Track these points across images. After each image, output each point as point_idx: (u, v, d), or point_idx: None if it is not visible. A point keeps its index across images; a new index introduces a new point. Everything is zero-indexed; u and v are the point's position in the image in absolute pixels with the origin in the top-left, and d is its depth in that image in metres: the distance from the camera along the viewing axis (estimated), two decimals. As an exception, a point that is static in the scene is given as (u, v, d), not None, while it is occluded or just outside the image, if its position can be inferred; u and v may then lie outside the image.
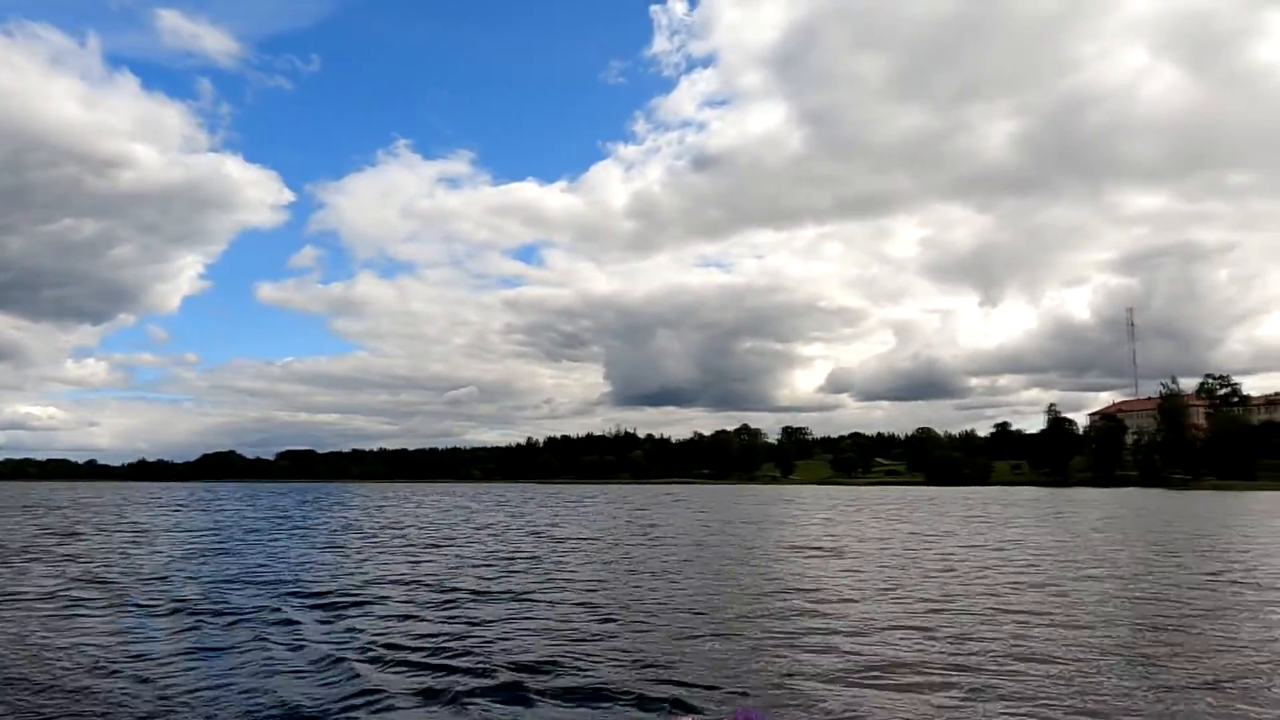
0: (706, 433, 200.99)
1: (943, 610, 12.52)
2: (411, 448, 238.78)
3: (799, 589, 14.81)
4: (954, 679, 8.45)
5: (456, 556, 21.18)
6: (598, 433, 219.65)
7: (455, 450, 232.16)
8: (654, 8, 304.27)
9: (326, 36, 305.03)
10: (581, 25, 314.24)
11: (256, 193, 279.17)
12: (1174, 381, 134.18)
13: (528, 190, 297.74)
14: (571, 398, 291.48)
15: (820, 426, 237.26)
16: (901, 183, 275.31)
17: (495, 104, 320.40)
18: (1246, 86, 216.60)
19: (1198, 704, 7.63)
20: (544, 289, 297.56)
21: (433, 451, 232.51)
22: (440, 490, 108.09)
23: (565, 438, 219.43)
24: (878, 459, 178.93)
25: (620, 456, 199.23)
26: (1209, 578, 16.64)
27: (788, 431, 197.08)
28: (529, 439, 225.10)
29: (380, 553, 22.34)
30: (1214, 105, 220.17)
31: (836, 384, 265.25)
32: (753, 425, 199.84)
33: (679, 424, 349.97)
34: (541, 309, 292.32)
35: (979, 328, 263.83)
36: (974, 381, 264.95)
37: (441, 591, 14.68)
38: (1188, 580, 16.18)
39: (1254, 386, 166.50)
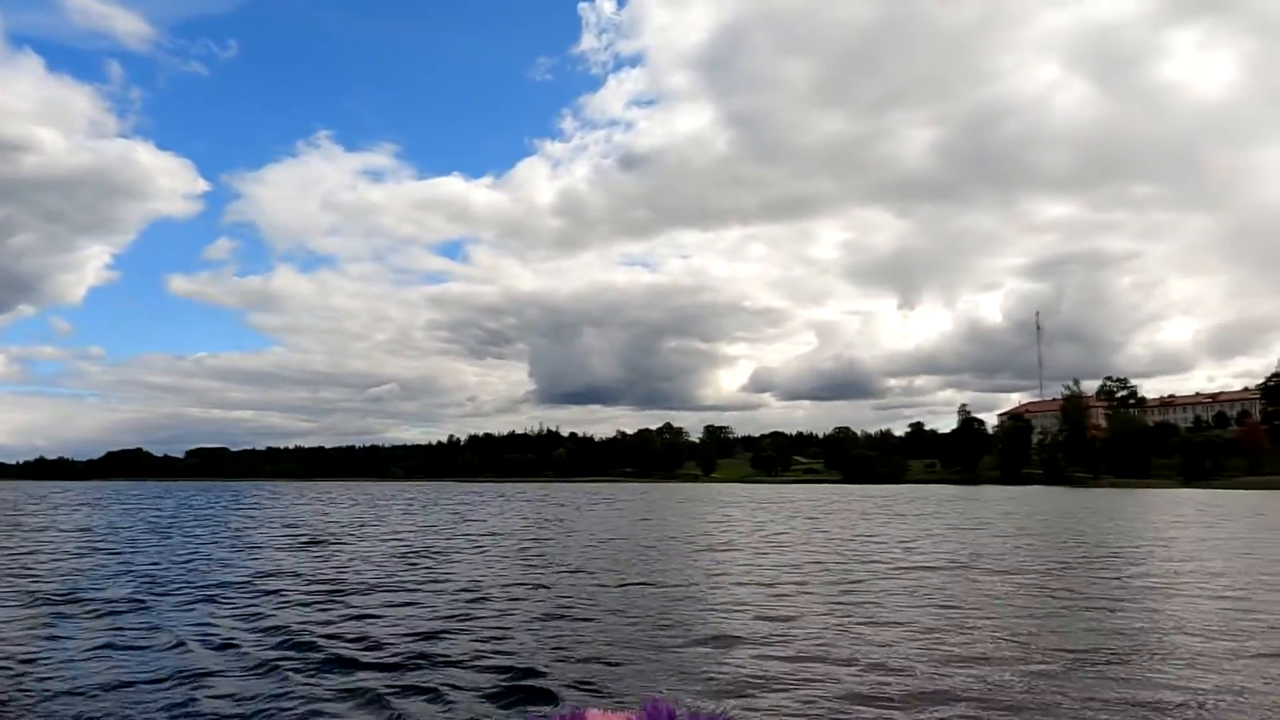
0: (631, 431, 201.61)
1: (828, 602, 12.61)
2: (330, 445, 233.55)
3: (677, 582, 14.90)
4: (844, 665, 8.55)
5: (342, 553, 20.79)
6: (521, 431, 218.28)
7: (375, 448, 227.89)
8: (582, 5, 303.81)
9: (245, 23, 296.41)
10: (509, 21, 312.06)
11: (168, 181, 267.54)
12: (1076, 384, 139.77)
13: (453, 185, 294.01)
14: (496, 395, 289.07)
15: (743, 425, 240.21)
16: (825, 186, 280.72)
17: (420, 97, 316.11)
18: (1151, 102, 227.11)
19: (1079, 680, 7.87)
20: (469, 285, 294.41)
21: (351, 450, 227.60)
22: (355, 489, 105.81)
23: (488, 436, 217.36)
24: (797, 457, 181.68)
25: (543, 455, 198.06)
26: (1095, 569, 17.18)
27: (710, 430, 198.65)
28: (451, 437, 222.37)
29: (266, 549, 21.84)
30: (1121, 119, 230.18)
31: (759, 383, 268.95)
32: (677, 424, 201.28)
33: (604, 422, 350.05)
34: (466, 306, 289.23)
35: (897, 330, 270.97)
36: (892, 382, 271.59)
37: (318, 585, 14.53)
38: (1064, 570, 16.70)
39: (1153, 389, 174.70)
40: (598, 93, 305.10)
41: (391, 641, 9.67)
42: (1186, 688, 7.58)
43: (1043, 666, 8.40)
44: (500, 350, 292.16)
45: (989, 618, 11.22)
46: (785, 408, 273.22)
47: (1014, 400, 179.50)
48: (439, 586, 14.27)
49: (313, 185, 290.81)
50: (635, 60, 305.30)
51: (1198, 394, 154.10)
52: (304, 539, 24.95)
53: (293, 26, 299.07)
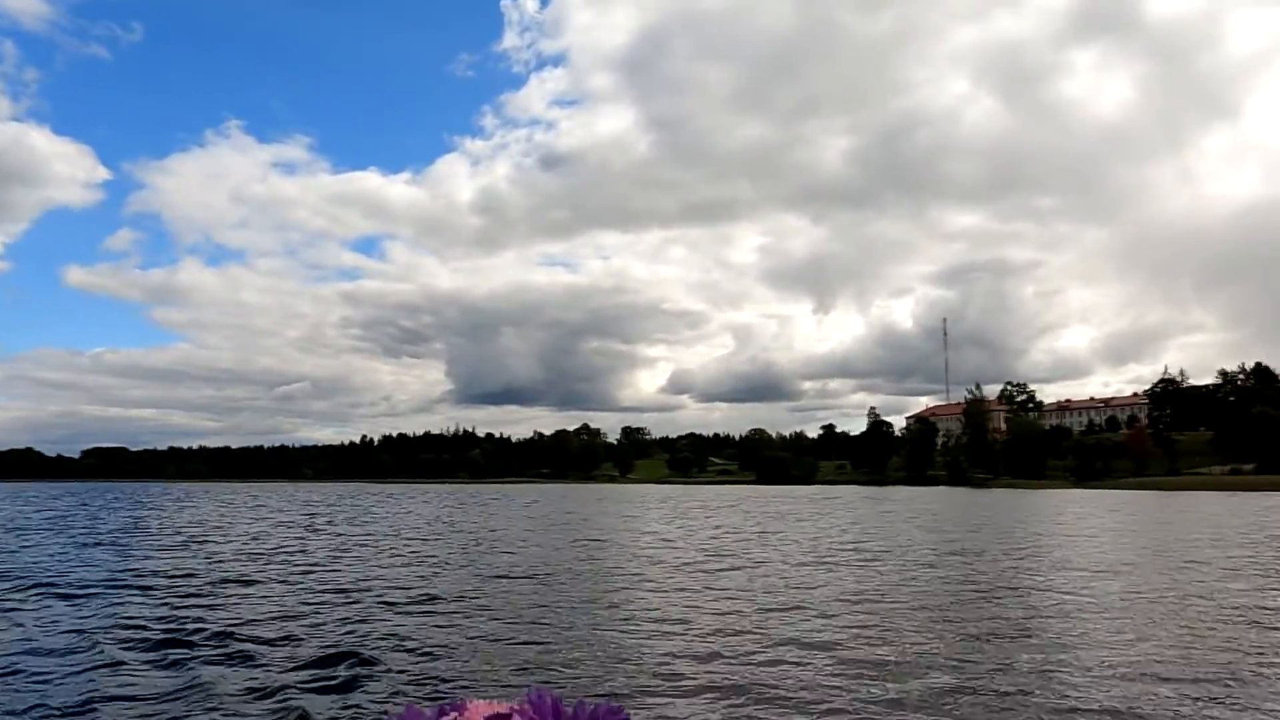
0: (549, 432, 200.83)
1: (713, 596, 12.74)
2: (236, 445, 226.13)
3: (562, 579, 15.06)
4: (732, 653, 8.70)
5: (218, 551, 20.45)
6: (437, 431, 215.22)
7: (284, 449, 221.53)
8: (505, 3, 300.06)
9: (151, 5, 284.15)
10: (430, 16, 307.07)
11: (66, 168, 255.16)
12: (978, 388, 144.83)
13: (369, 180, 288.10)
14: (411, 395, 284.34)
15: (662, 427, 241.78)
16: (744, 191, 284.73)
17: (337, 89, 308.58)
18: (1053, 118, 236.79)
19: (975, 658, 8.30)
20: (384, 283, 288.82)
21: (259, 450, 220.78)
22: (260, 490, 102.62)
23: (402, 436, 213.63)
24: (712, 459, 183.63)
25: (459, 456, 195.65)
26: (970, 563, 17.78)
27: (627, 432, 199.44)
28: (364, 437, 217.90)
29: (149, 548, 21.39)
30: (1025, 133, 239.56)
31: (678, 385, 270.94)
32: (596, 425, 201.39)
33: (522, 423, 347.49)
34: (381, 303, 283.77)
35: (813, 333, 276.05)
36: (807, 385, 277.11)
37: (183, 580, 14.44)
38: (940, 562, 17.24)
39: (1053, 393, 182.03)
40: (519, 91, 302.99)
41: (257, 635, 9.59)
42: (1075, 664, 8.20)
43: (932, 648, 8.95)
44: (417, 349, 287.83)
45: (879, 610, 11.69)
46: (703, 409, 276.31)
47: (923, 403, 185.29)
48: (317, 586, 14.01)
49: (222, 176, 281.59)
50: (558, 60, 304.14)
51: (1092, 399, 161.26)
52: (198, 539, 24.17)
53: (202, 10, 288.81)
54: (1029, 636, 9.87)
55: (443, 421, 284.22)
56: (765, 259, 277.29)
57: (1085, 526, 32.49)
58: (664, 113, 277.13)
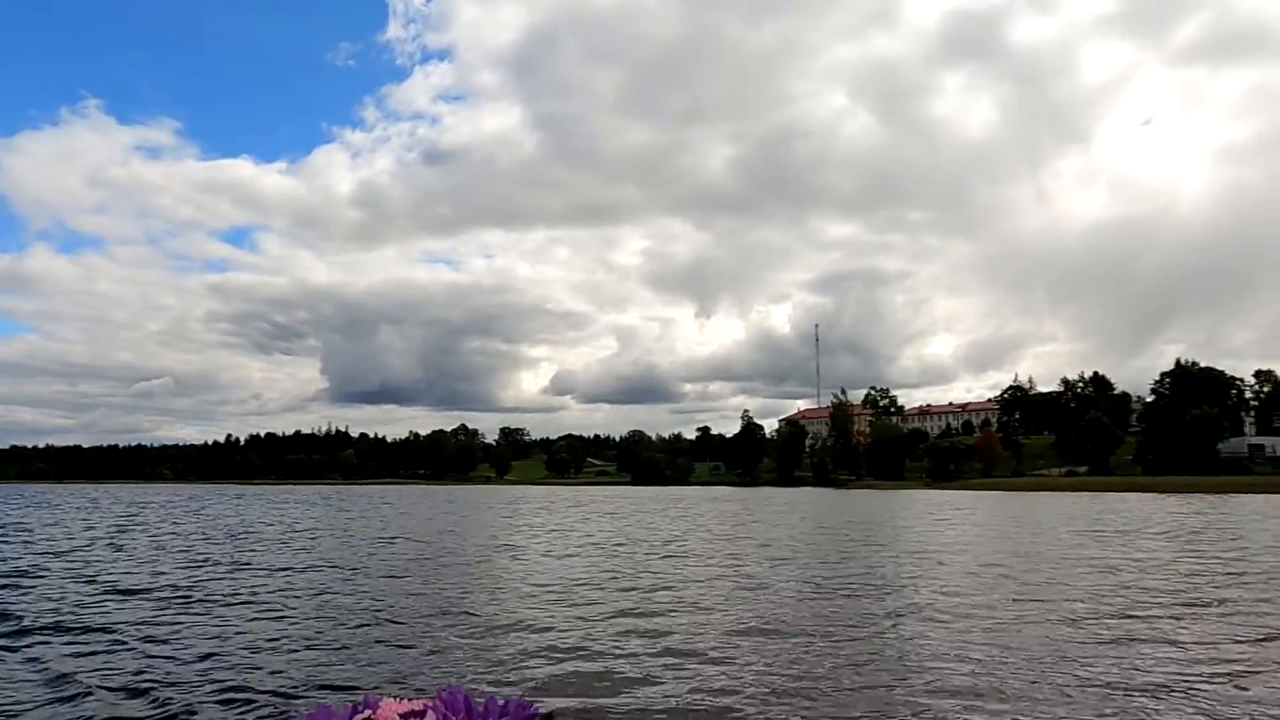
0: (426, 432, 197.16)
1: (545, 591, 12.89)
2: (88, 444, 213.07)
3: (420, 578, 14.96)
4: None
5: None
6: (309, 430, 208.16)
7: (141, 448, 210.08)
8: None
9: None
10: (311, 1, 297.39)
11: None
12: (844, 393, 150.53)
13: (241, 168, 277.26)
14: (283, 393, 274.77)
15: (544, 427, 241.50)
16: (629, 194, 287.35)
17: (208, 71, 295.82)
18: (924, 135, 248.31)
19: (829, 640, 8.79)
20: (256, 276, 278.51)
21: (114, 449, 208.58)
22: (105, 491, 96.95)
23: (271, 435, 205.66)
24: (591, 459, 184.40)
25: (331, 456, 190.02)
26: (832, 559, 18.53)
27: (505, 433, 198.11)
28: (230, 436, 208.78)
29: None
30: (898, 149, 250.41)
31: (561, 386, 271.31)
32: (477, 425, 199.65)
33: (400, 423, 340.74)
34: (252, 297, 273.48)
35: (694, 337, 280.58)
36: (688, 387, 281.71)
37: None
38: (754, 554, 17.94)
39: (921, 398, 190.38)
40: (403, 84, 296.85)
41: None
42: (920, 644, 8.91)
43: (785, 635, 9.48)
44: (289, 345, 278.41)
45: (736, 601, 12.12)
46: (585, 410, 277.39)
47: (800, 406, 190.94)
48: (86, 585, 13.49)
49: (77, 158, 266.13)
50: (443, 54, 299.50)
51: (950, 404, 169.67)
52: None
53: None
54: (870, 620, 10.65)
55: (316, 421, 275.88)
56: (649, 262, 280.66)
57: (910, 522, 34.35)
58: (551, 112, 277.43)
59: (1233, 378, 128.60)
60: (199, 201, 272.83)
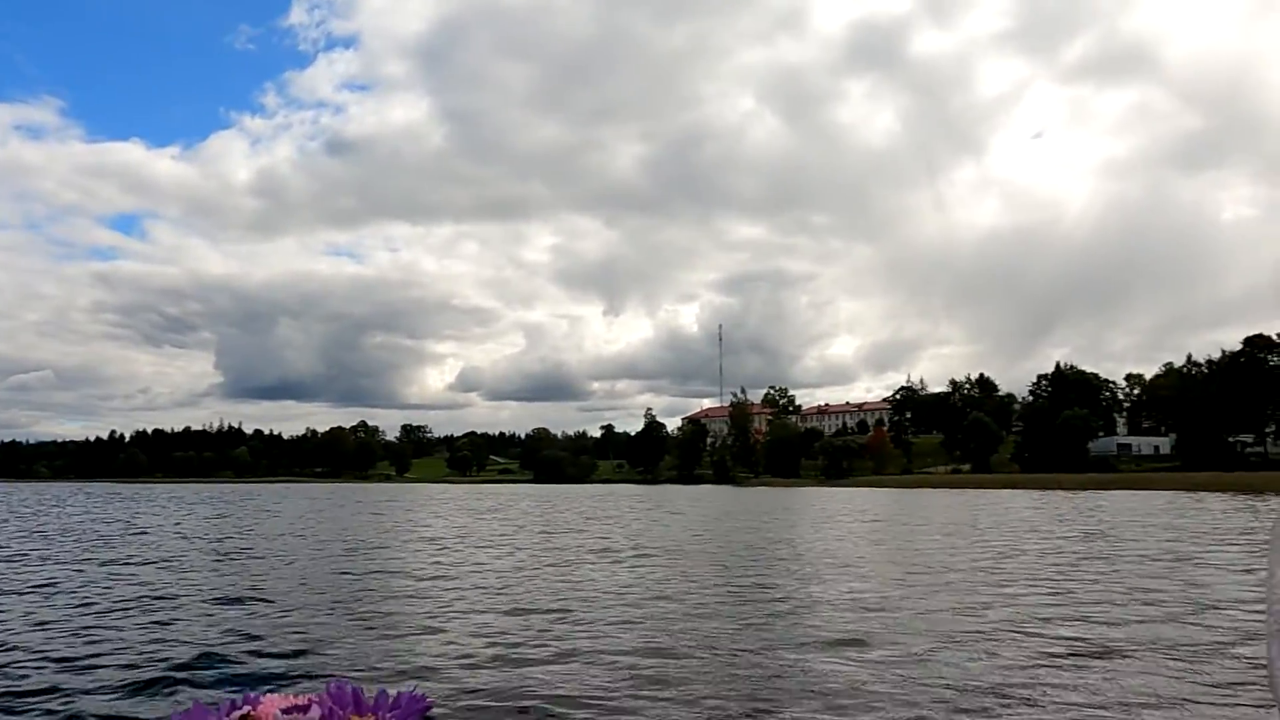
0: (323, 429, 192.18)
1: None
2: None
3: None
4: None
5: None
6: (201, 427, 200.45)
7: (15, 444, 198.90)
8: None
9: None
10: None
11: None
12: (743, 393, 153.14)
13: (131, 152, 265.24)
14: (174, 388, 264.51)
15: (449, 425, 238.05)
16: (538, 190, 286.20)
17: (95, 48, 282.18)
18: (828, 140, 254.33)
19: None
20: (146, 265, 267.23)
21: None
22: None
23: (158, 431, 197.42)
24: (494, 457, 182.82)
25: (223, 453, 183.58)
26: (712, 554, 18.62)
27: (407, 430, 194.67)
28: (114, 432, 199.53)
29: None
30: (804, 153, 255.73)
31: (467, 383, 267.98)
32: (380, 422, 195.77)
33: (299, 419, 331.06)
34: (141, 287, 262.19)
35: (603, 335, 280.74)
36: (596, 385, 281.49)
37: None
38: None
39: (823, 397, 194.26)
40: (305, 71, 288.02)
41: None
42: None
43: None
44: (181, 338, 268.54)
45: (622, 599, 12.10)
46: (492, 407, 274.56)
47: (705, 405, 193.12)
48: None
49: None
50: (349, 42, 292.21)
51: (847, 404, 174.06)
52: None
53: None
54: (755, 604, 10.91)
55: (209, 417, 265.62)
56: (558, 259, 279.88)
57: (790, 516, 35.16)
58: (460, 106, 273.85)
59: (1107, 381, 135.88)
60: (84, 186, 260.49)
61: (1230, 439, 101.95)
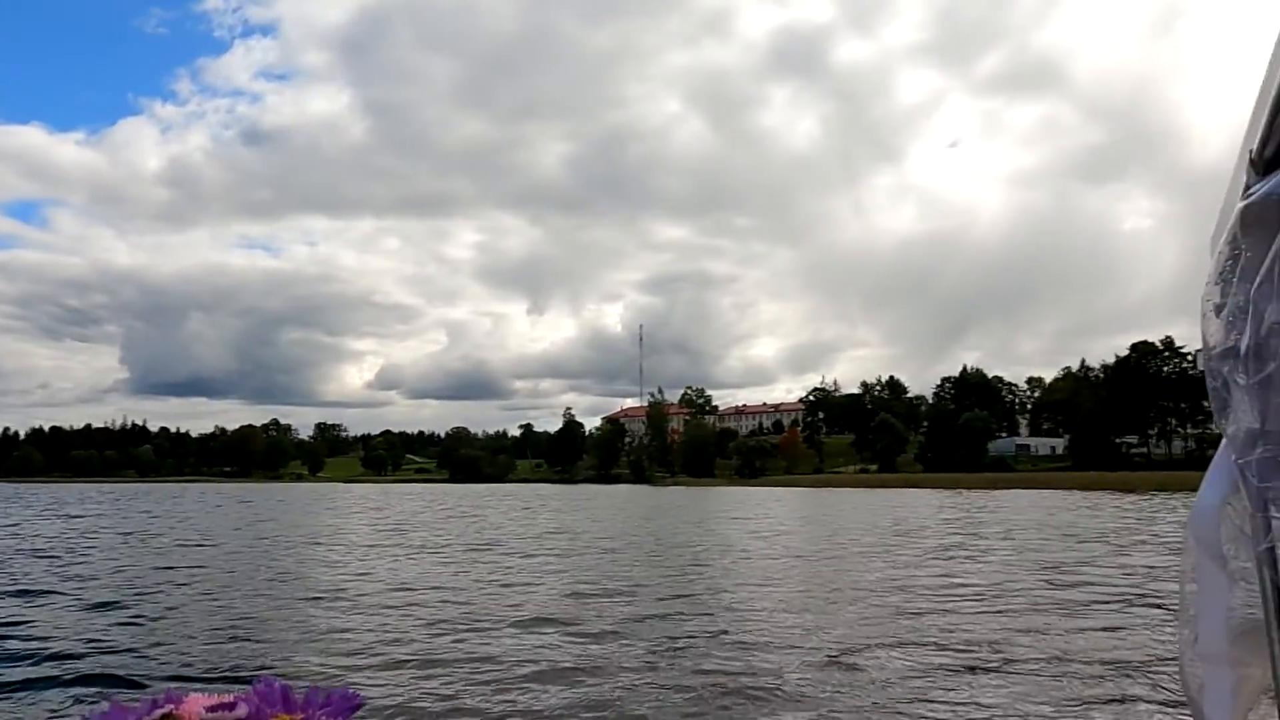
0: (234, 428, 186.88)
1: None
2: None
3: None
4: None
5: None
6: (104, 424, 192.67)
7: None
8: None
9: None
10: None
11: None
12: (660, 392, 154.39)
13: (31, 136, 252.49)
14: (76, 383, 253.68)
15: (367, 423, 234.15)
16: (462, 187, 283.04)
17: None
18: (752, 144, 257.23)
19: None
20: (46, 254, 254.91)
21: None
22: None
23: (56, 429, 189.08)
24: (410, 456, 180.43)
25: (126, 452, 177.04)
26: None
27: (321, 428, 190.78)
28: (8, 429, 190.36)
29: None
30: (728, 156, 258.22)
31: (386, 380, 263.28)
32: (296, 420, 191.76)
33: (210, 417, 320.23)
34: (41, 277, 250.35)
35: (526, 333, 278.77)
36: (519, 384, 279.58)
37: None
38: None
39: (745, 398, 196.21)
40: (221, 58, 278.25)
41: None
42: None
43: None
44: (84, 332, 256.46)
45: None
46: (412, 406, 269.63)
47: (629, 405, 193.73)
48: None
49: None
50: (267, 29, 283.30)
51: (764, 404, 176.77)
52: None
53: None
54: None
55: (113, 414, 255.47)
56: (481, 256, 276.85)
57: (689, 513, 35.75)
58: (382, 99, 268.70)
59: (1010, 384, 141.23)
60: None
61: (1117, 440, 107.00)
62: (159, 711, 0.59)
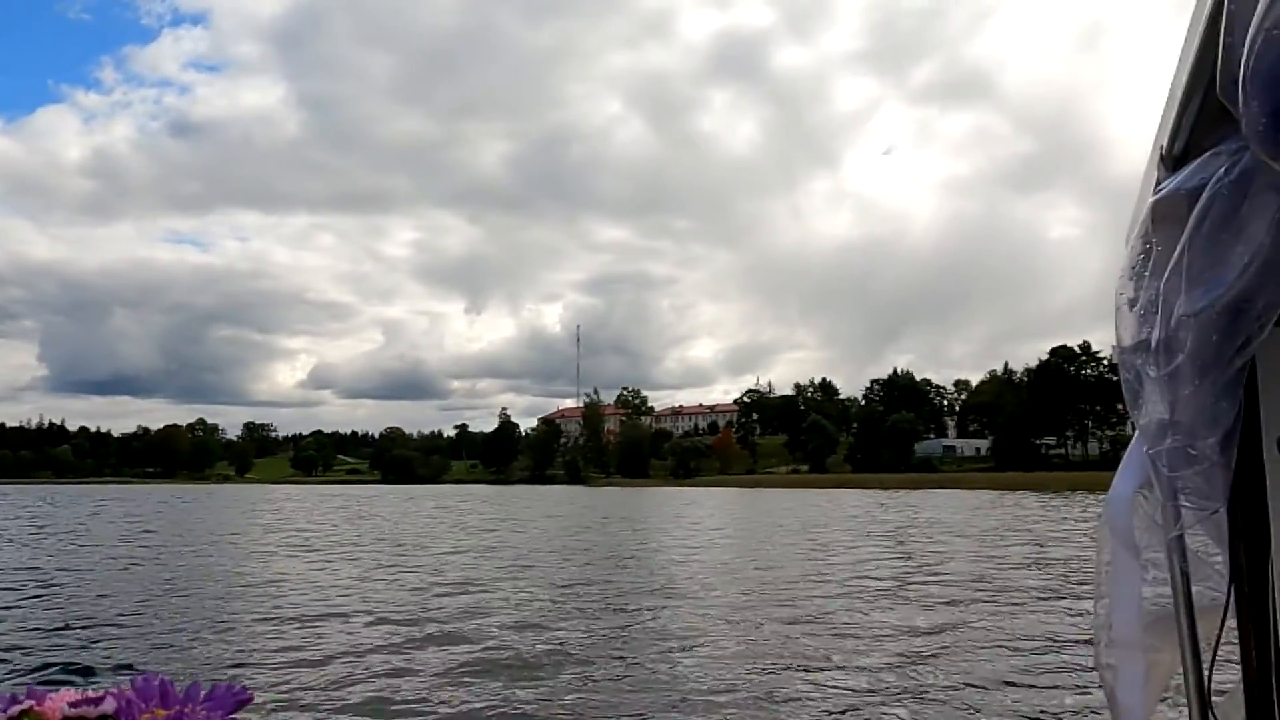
0: (157, 427, 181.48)
1: None
2: None
3: None
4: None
5: None
6: (19, 423, 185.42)
7: None
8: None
9: None
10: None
11: None
12: (596, 393, 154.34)
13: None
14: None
15: (300, 423, 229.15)
16: (399, 184, 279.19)
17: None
18: (692, 147, 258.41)
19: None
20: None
21: None
22: None
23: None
24: (342, 457, 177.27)
25: (43, 452, 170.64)
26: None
27: (250, 428, 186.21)
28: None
29: None
30: (668, 159, 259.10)
31: (320, 380, 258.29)
32: (225, 420, 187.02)
33: (134, 416, 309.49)
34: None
35: (464, 333, 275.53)
36: (456, 384, 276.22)
37: None
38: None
39: (683, 399, 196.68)
40: (148, 46, 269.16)
41: None
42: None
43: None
44: (1, 327, 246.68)
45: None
46: (347, 406, 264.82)
47: (569, 405, 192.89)
48: None
49: None
50: (198, 19, 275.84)
51: (700, 405, 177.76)
52: None
53: None
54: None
55: (29, 412, 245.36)
56: (419, 254, 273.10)
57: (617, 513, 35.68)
58: (318, 93, 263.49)
59: (939, 386, 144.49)
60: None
61: (1037, 442, 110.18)
62: (17, 708, 0.57)
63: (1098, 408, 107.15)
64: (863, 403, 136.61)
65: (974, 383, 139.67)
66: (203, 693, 0.60)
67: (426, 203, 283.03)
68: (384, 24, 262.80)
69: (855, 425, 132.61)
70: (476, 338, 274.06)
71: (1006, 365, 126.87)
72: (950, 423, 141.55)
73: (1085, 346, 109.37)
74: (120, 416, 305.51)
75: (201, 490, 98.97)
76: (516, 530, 28.62)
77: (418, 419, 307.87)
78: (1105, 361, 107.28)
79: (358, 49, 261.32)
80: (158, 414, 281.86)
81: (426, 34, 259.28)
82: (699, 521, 34.29)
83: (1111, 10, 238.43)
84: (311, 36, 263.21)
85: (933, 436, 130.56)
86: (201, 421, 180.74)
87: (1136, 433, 1.30)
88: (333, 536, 24.92)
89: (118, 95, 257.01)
